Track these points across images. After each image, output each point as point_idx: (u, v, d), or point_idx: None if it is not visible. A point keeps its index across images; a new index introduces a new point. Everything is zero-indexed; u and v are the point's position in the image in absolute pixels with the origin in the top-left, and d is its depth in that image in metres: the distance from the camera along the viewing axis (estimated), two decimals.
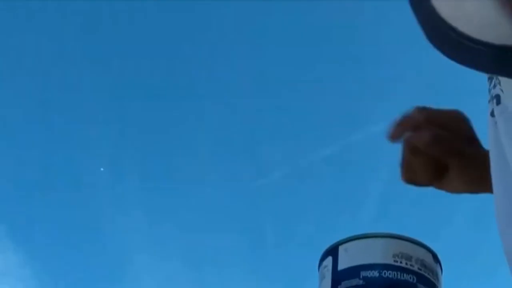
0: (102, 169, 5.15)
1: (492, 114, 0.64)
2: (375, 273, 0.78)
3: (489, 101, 0.64)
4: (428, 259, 0.81)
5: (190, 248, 5.17)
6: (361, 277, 0.78)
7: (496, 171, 0.61)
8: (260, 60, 5.04)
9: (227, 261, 5.05)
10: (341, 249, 0.82)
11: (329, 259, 0.83)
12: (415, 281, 0.78)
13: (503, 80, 0.58)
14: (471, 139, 0.84)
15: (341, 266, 0.81)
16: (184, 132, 5.21)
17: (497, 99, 0.61)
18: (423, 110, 0.84)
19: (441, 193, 0.88)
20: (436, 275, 0.81)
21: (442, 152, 0.81)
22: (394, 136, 0.85)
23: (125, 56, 5.20)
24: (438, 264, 0.83)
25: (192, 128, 5.19)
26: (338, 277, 0.80)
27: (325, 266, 0.83)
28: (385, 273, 0.78)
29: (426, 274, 0.79)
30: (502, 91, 0.59)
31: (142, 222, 5.24)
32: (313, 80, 4.85)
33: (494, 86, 0.62)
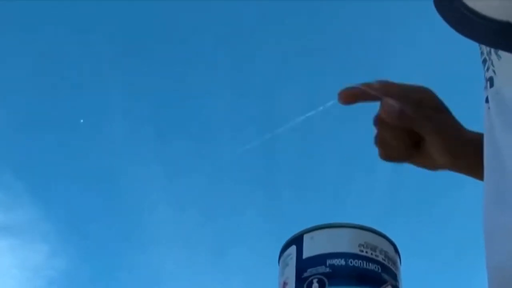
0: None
1: (487, 100, 0.65)
2: (342, 262, 0.79)
3: (484, 88, 0.66)
4: (391, 250, 0.83)
5: (206, 199, 5.20)
6: (327, 264, 0.79)
7: (489, 157, 0.63)
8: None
9: (243, 212, 5.05)
10: (306, 237, 0.83)
11: (293, 247, 0.83)
12: (380, 270, 0.80)
13: (496, 61, 0.59)
14: (439, 109, 0.83)
15: (307, 254, 0.81)
16: (198, 85, 5.18)
17: (490, 81, 0.62)
18: (383, 81, 0.84)
19: None
20: (397, 267, 0.83)
21: (410, 121, 0.80)
22: (344, 97, 0.84)
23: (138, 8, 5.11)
24: (399, 257, 0.85)
25: (205, 79, 5.14)
26: (303, 264, 0.81)
27: (289, 255, 0.83)
28: (351, 262, 0.79)
29: (389, 265, 0.81)
30: (494, 72, 0.60)
31: (159, 173, 5.25)
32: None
33: (487, 69, 0.63)
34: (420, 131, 0.81)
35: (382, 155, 0.85)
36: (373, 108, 0.84)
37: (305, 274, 0.80)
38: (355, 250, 0.80)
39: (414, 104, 0.81)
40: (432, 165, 0.85)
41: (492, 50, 0.60)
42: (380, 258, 0.81)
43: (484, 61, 0.64)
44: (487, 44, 0.56)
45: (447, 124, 0.82)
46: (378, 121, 0.83)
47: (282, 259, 0.85)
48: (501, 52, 0.58)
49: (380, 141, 0.84)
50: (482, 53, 0.65)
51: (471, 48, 0.65)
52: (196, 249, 5.24)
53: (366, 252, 0.80)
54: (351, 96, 0.84)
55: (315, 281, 0.79)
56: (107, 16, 5.22)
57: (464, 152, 0.81)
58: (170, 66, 5.30)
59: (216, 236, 5.20)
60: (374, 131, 0.85)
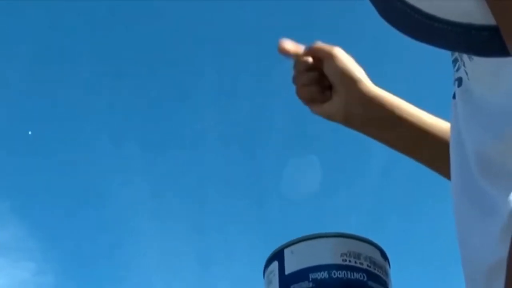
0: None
1: (454, 96, 0.63)
2: (325, 274, 0.75)
3: (453, 84, 0.63)
4: (376, 255, 0.79)
5: (193, 213, 5.14)
6: (310, 279, 0.75)
7: (454, 153, 0.60)
8: None
9: (230, 224, 5.02)
10: (287, 252, 0.79)
11: (275, 264, 0.80)
12: (365, 279, 0.76)
13: (468, 62, 0.57)
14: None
15: (289, 269, 0.78)
16: (181, 100, 5.16)
17: (459, 81, 0.61)
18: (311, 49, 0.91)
19: None
20: (385, 271, 0.79)
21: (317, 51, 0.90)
22: (282, 48, 0.92)
23: (123, 21, 5.13)
24: (386, 261, 0.81)
25: (188, 93, 5.13)
26: (286, 281, 0.77)
27: (271, 271, 0.80)
28: (334, 274, 0.75)
29: (375, 271, 0.77)
30: (466, 73, 0.58)
31: (144, 189, 5.22)
32: None
33: (458, 69, 0.61)
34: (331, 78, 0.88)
35: (298, 91, 0.91)
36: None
37: None
38: (338, 260, 0.76)
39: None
40: (336, 117, 0.90)
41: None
42: (365, 265, 0.77)
43: (455, 61, 0.62)
44: (451, 50, 0.53)
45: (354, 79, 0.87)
46: (296, 63, 0.91)
47: (265, 275, 0.82)
48: None
49: (296, 77, 0.91)
50: (452, 53, 0.63)
51: None
52: (183, 263, 5.23)
53: (350, 261, 0.77)
54: (287, 50, 0.92)
55: None
56: (85, 31, 5.18)
57: (365, 110, 0.87)
58: (151, 81, 5.27)
59: (203, 249, 5.18)
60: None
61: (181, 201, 5.20)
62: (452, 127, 0.63)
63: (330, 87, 0.89)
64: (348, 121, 0.89)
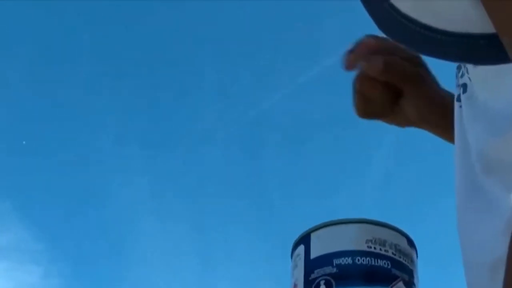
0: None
1: (458, 99, 0.63)
2: (349, 260, 0.76)
3: (456, 86, 0.63)
4: (403, 243, 0.79)
5: (194, 213, 5.17)
6: (334, 265, 0.76)
7: (458, 154, 0.61)
8: None
9: (232, 224, 5.05)
10: (313, 236, 0.80)
11: (301, 247, 0.81)
12: (389, 266, 0.76)
13: (471, 69, 0.57)
14: (419, 63, 0.82)
15: (314, 254, 0.78)
16: (183, 99, 5.19)
17: (464, 87, 0.60)
18: (373, 37, 0.82)
19: None
20: (411, 260, 0.79)
21: (396, 76, 0.80)
22: (349, 65, 0.82)
23: (124, 21, 5.18)
24: (413, 249, 0.81)
25: (190, 92, 5.15)
26: (310, 265, 0.78)
27: (298, 255, 0.81)
28: (358, 260, 0.76)
29: (400, 259, 0.77)
30: (470, 79, 0.58)
31: (146, 188, 5.24)
32: None
33: (462, 75, 0.61)
34: (405, 88, 0.81)
35: (359, 112, 0.84)
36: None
37: (313, 276, 0.77)
38: (363, 247, 0.77)
39: (401, 59, 0.80)
40: (405, 122, 0.84)
41: None
42: (390, 253, 0.77)
43: (459, 67, 0.62)
44: (449, 60, 0.53)
45: (426, 78, 0.81)
46: (360, 78, 0.82)
47: (292, 259, 0.82)
48: None
49: (360, 96, 0.82)
50: None
51: None
52: (186, 263, 5.21)
53: (375, 248, 0.77)
54: (354, 60, 0.82)
55: (322, 282, 0.76)
56: (85, 31, 5.17)
57: (438, 108, 0.81)
58: (151, 81, 5.24)
59: (203, 249, 5.14)
60: (352, 84, 0.83)
61: (181, 201, 5.18)
62: (456, 128, 0.63)
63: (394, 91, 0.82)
64: (421, 125, 0.84)
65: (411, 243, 0.80)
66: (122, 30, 5.23)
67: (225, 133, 5.07)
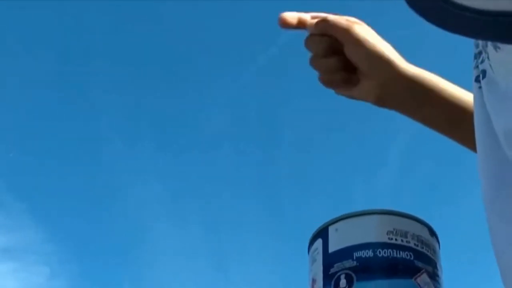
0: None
1: (477, 80, 0.61)
2: (370, 253, 0.73)
3: (474, 68, 0.61)
4: (425, 234, 0.76)
5: (207, 214, 5.17)
6: (354, 258, 0.73)
7: (482, 134, 0.58)
8: None
9: (245, 225, 5.04)
10: (331, 229, 0.77)
11: (319, 241, 0.78)
12: (412, 258, 0.73)
13: (493, 54, 0.55)
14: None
15: (332, 248, 0.75)
16: (194, 99, 5.18)
17: (483, 73, 0.58)
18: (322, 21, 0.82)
19: None
20: (433, 250, 0.76)
21: (334, 26, 0.81)
22: (283, 21, 0.83)
23: (140, 22, 5.16)
24: (435, 239, 0.78)
25: (201, 93, 5.15)
26: (329, 259, 0.75)
27: (316, 249, 0.78)
28: (379, 252, 0.73)
29: (423, 250, 0.74)
30: (490, 66, 0.56)
31: (159, 190, 5.25)
32: None
33: (482, 61, 0.59)
34: (342, 36, 0.80)
35: (320, 78, 0.83)
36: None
37: (332, 270, 0.74)
38: (384, 238, 0.74)
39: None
40: (367, 97, 0.83)
41: (489, 43, 0.56)
42: (412, 244, 0.74)
43: (479, 54, 0.60)
44: (478, 38, 0.51)
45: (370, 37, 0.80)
46: (308, 40, 0.83)
47: (310, 253, 0.80)
48: (500, 44, 0.54)
49: (316, 60, 0.82)
50: (477, 45, 0.61)
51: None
52: (199, 264, 5.20)
53: (396, 239, 0.74)
54: (290, 21, 0.83)
55: (342, 277, 0.73)
56: (103, 32, 5.17)
57: (397, 90, 0.81)
58: (164, 82, 5.23)
59: (219, 251, 5.14)
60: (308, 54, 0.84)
61: (195, 202, 5.19)
62: (476, 111, 0.61)
63: (355, 69, 0.82)
64: (381, 101, 0.83)
65: (433, 233, 0.77)
66: (139, 32, 5.27)
67: (239, 135, 5.06)
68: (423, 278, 0.73)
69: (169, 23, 5.18)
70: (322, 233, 0.78)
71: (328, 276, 0.74)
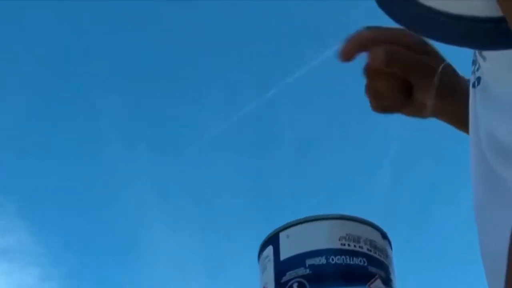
0: None
1: (473, 86, 0.61)
2: (322, 260, 0.71)
3: (472, 73, 0.62)
4: (377, 238, 0.74)
5: (202, 216, 5.12)
6: (307, 265, 0.71)
7: (472, 144, 0.59)
8: None
9: (242, 227, 5.01)
10: (282, 236, 0.75)
11: (270, 248, 0.75)
12: (366, 264, 0.71)
13: (482, 63, 0.55)
14: (427, 51, 0.79)
15: (284, 255, 0.73)
16: (189, 102, 5.12)
17: (478, 80, 0.59)
18: (371, 28, 0.79)
19: None
20: (386, 255, 0.75)
21: (401, 66, 0.76)
22: (345, 55, 0.79)
23: (136, 23, 5.08)
24: (388, 242, 0.76)
25: (196, 96, 5.10)
26: (281, 267, 0.73)
27: (266, 257, 0.75)
28: (332, 259, 0.71)
29: (376, 255, 0.73)
30: (483, 73, 0.57)
31: (153, 192, 5.20)
32: None
33: (478, 69, 0.59)
34: (413, 80, 0.77)
35: (374, 107, 0.80)
36: None
37: (285, 278, 0.72)
38: (336, 244, 0.72)
39: (404, 48, 0.77)
40: (422, 112, 0.80)
41: (477, 52, 0.57)
42: (365, 249, 0.72)
43: (474, 62, 0.60)
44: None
45: (435, 67, 0.77)
46: (368, 70, 0.79)
47: (260, 261, 0.77)
48: (485, 53, 0.54)
49: (371, 91, 0.79)
50: (474, 53, 0.61)
51: None
52: (195, 266, 5.19)
53: (349, 245, 0.72)
54: (351, 51, 0.79)
55: (295, 285, 0.71)
56: (99, 33, 5.10)
57: (452, 99, 0.78)
58: (163, 82, 5.20)
59: (213, 252, 5.12)
60: (364, 82, 0.80)
61: (190, 204, 5.17)
62: (470, 115, 0.61)
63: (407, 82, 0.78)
64: (437, 116, 0.81)
65: (385, 237, 0.76)
66: (135, 33, 5.20)
67: (234, 136, 5.03)
68: (377, 284, 0.71)
69: (168, 24, 5.14)
70: (272, 240, 0.75)
71: (280, 285, 0.72)
